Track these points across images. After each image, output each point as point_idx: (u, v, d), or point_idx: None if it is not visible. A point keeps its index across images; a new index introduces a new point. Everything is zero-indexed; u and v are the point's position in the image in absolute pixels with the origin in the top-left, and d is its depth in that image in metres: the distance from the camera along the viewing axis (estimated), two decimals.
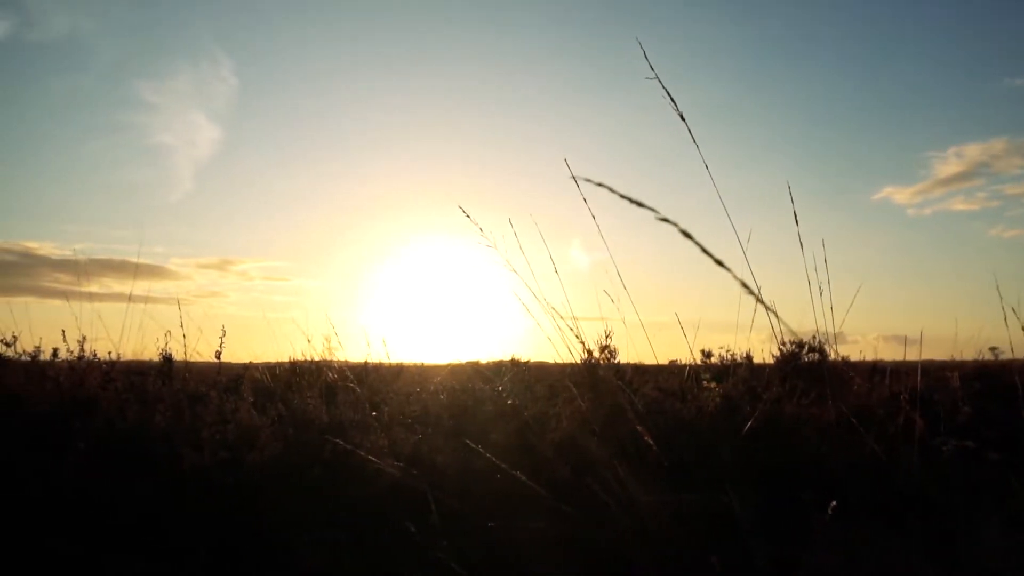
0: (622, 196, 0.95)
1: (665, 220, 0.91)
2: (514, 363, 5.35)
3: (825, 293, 2.54)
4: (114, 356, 4.48)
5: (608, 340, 4.46)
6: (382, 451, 3.27)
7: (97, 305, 4.55)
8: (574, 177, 1.00)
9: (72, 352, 3.62)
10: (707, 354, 6.36)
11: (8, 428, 2.73)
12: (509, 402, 3.79)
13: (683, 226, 0.86)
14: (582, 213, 2.54)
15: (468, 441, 3.76)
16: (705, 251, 0.88)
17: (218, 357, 3.69)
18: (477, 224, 2.51)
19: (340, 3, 44.83)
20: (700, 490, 3.13)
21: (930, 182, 44.65)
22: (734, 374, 4.20)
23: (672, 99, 1.98)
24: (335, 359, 6.39)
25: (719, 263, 0.88)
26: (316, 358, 6.29)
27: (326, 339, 6.18)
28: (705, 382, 4.58)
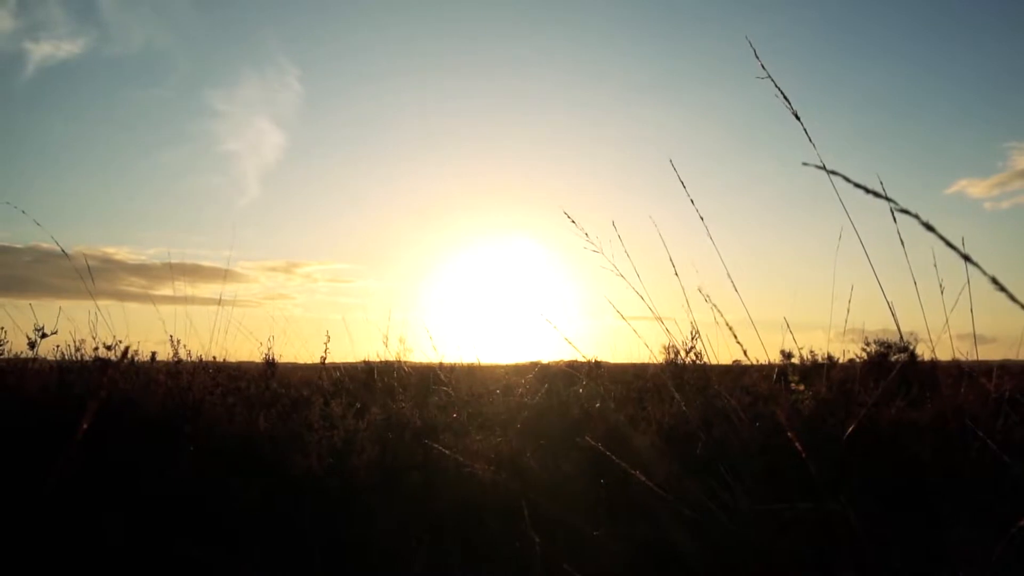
0: (856, 185, 0.91)
1: (905, 212, 0.86)
2: (597, 364, 5.30)
3: (946, 293, 2.42)
4: (205, 358, 4.60)
5: (694, 341, 4.36)
6: (475, 455, 3.27)
7: (174, 308, 4.68)
8: (805, 164, 0.95)
9: (182, 355, 3.73)
10: (787, 355, 6.19)
11: (123, 431, 2.81)
12: (597, 405, 3.75)
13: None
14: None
15: (558, 444, 3.74)
16: (949, 244, 0.83)
17: (323, 362, 3.75)
18: (583, 229, 2.48)
19: (403, 9, 45.48)
20: (803, 496, 3.04)
21: (1008, 174, 42.58)
22: (828, 376, 4.06)
23: (786, 98, 1.92)
24: (408, 360, 6.45)
25: (966, 258, 0.82)
26: (391, 359, 6.36)
27: (401, 340, 6.24)
28: (793, 384, 4.45)
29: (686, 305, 3.69)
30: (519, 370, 8.02)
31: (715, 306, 3.43)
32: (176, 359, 3.78)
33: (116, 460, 2.84)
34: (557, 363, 7.95)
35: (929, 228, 0.85)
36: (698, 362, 4.39)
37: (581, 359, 6.95)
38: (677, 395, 3.10)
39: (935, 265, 2.47)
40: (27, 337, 3.42)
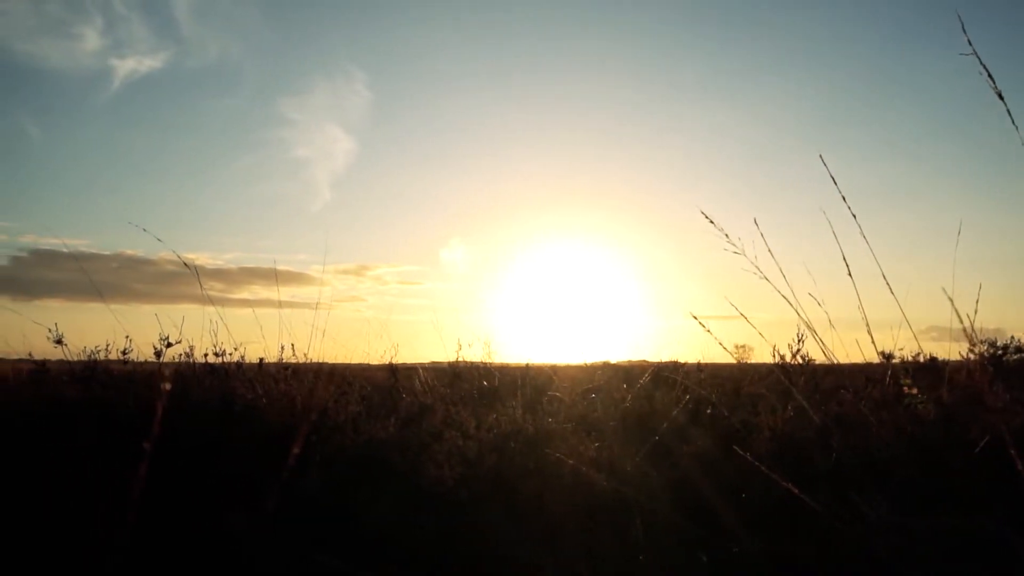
0: None
1: None
2: (699, 367, 5.20)
3: None
4: (301, 361, 4.69)
5: (800, 344, 4.24)
6: (591, 462, 3.23)
7: (262, 311, 4.78)
8: None
9: (300, 358, 3.81)
10: (887, 355, 5.94)
11: (247, 437, 2.87)
12: (708, 412, 3.66)
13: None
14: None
15: (664, 450, 3.67)
16: None
17: (456, 364, 3.78)
18: (722, 230, 2.41)
19: (468, 11, 45.90)
20: (936, 507, 2.90)
21: None
22: (950, 379, 3.87)
23: (991, 76, 1.80)
24: (493, 361, 6.46)
25: None
26: (476, 360, 6.38)
27: (485, 343, 6.25)
28: (906, 388, 4.28)
29: (796, 304, 3.57)
30: (592, 370, 7.94)
31: (826, 310, 3.31)
32: (283, 363, 3.86)
33: (243, 467, 2.90)
34: (627, 363, 7.86)
35: None
36: (806, 364, 4.26)
37: (654, 360, 6.86)
38: (801, 399, 2.98)
39: None
40: (153, 347, 3.54)
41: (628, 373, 6.37)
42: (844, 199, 2.28)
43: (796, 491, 2.25)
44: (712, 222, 2.41)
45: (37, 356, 4.62)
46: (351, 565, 2.43)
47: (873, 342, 2.55)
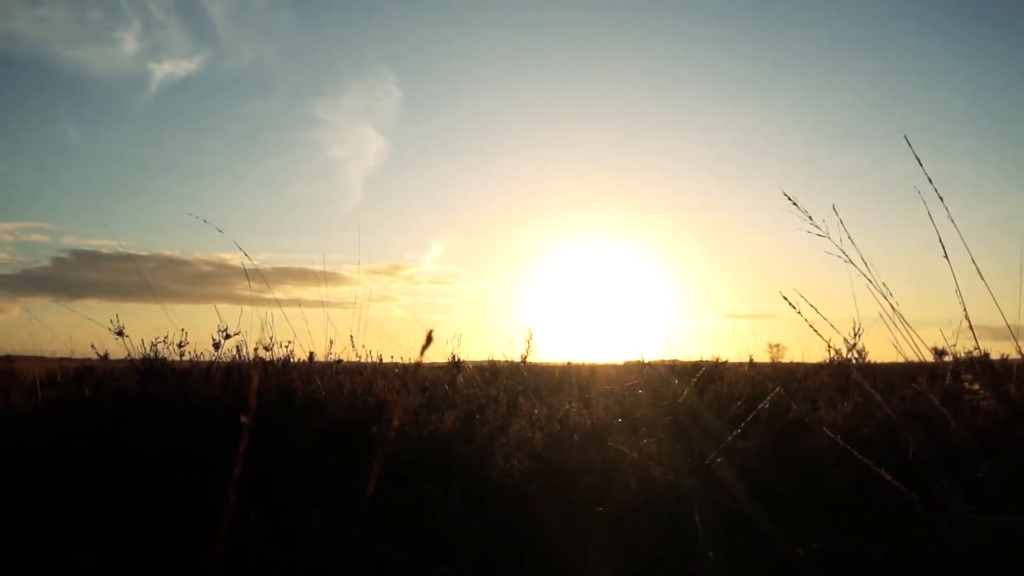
0: None
1: None
2: (751, 364, 5.12)
3: None
4: (347, 358, 4.68)
5: (857, 339, 4.14)
6: (651, 456, 3.17)
7: (305, 310, 4.79)
8: None
9: (360, 353, 3.81)
10: (940, 352, 5.81)
11: (311, 431, 2.85)
12: (765, 406, 3.58)
13: None
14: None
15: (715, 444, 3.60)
16: None
17: (524, 360, 3.77)
18: (806, 212, 2.34)
19: (499, 15, 46.13)
20: (1011, 508, 2.80)
21: None
22: (1017, 375, 3.76)
23: None
24: (532, 359, 6.43)
25: None
26: (516, 359, 6.34)
27: (527, 339, 6.21)
28: (967, 383, 4.18)
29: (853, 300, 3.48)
30: (628, 368, 7.87)
31: (896, 305, 3.21)
32: (335, 359, 3.84)
33: (305, 458, 2.87)
34: (661, 361, 7.76)
35: None
36: (862, 361, 4.18)
37: (685, 359, 6.78)
38: (872, 391, 2.90)
39: None
40: (212, 338, 3.54)
41: (668, 371, 6.29)
42: (930, 181, 2.20)
43: (890, 478, 2.15)
44: (796, 204, 2.34)
45: (83, 354, 4.65)
46: (414, 557, 2.39)
47: (973, 331, 2.42)
